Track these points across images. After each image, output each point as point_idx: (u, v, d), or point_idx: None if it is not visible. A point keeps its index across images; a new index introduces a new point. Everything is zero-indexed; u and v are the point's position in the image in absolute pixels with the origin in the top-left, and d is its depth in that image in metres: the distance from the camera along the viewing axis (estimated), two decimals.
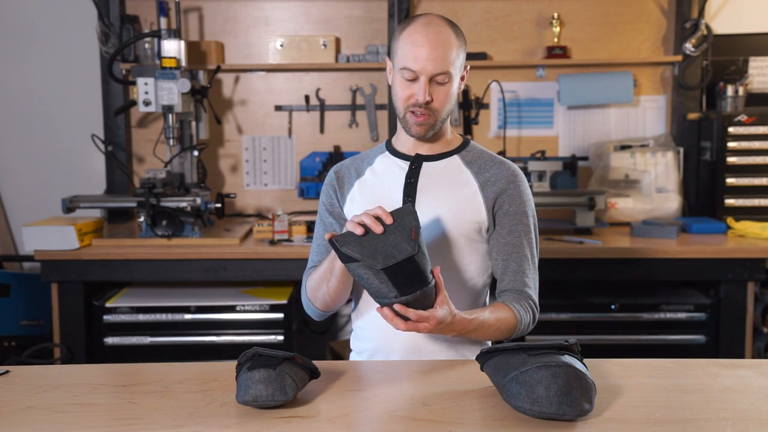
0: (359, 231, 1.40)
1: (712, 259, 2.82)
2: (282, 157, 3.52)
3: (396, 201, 1.69)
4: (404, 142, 1.75)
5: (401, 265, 1.37)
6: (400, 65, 1.63)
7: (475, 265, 1.71)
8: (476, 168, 1.71)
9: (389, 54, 1.71)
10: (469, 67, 1.73)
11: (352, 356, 1.82)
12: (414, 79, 1.62)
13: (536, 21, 3.44)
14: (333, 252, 1.53)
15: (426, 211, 1.67)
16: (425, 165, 1.72)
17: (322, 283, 1.65)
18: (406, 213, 1.44)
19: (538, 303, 1.69)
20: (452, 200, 1.68)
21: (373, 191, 1.73)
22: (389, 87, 1.72)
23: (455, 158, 1.73)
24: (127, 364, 1.63)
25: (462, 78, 1.69)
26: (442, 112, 1.65)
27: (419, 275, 1.40)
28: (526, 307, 1.65)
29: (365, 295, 1.72)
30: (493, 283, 1.77)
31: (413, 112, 1.64)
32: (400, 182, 1.71)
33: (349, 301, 1.82)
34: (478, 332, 1.57)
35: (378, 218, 1.42)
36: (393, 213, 1.44)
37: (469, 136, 2.00)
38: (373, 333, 1.71)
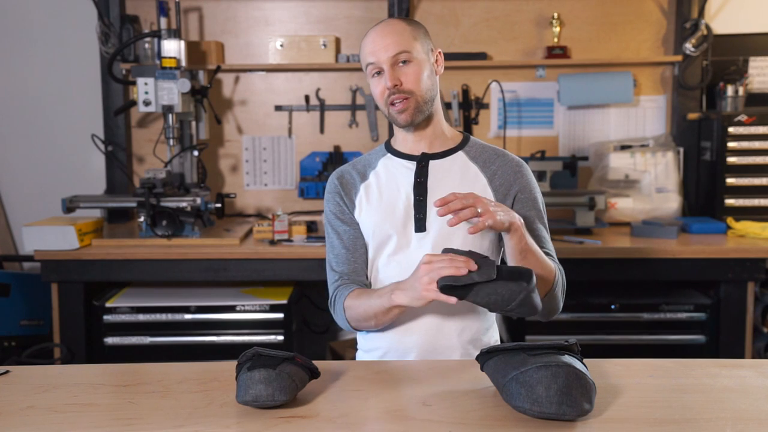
0: (464, 272, 1.43)
1: (712, 259, 2.82)
2: (282, 157, 3.52)
3: (407, 201, 1.70)
4: (404, 141, 1.76)
5: (499, 268, 1.45)
6: (365, 66, 1.69)
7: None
8: (482, 162, 1.73)
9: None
10: (441, 52, 1.75)
11: (360, 355, 1.81)
12: (380, 72, 1.66)
13: (536, 21, 3.44)
14: (391, 298, 1.56)
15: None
16: (432, 163, 1.73)
17: (370, 319, 1.65)
18: (461, 252, 1.51)
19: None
20: None
21: (381, 194, 1.74)
22: None
23: (460, 154, 1.74)
24: (127, 364, 1.63)
25: (436, 62, 1.72)
26: (419, 93, 1.66)
27: (518, 268, 1.48)
28: (559, 268, 1.69)
29: None
30: None
31: (392, 103, 1.66)
32: (409, 182, 1.72)
33: None
34: (536, 258, 1.59)
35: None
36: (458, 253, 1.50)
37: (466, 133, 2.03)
38: (387, 333, 1.71)
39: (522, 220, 1.57)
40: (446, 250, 1.51)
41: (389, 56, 1.64)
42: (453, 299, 1.44)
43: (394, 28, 1.67)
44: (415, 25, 1.70)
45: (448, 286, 1.44)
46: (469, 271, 1.43)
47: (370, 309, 1.63)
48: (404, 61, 1.65)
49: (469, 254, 1.47)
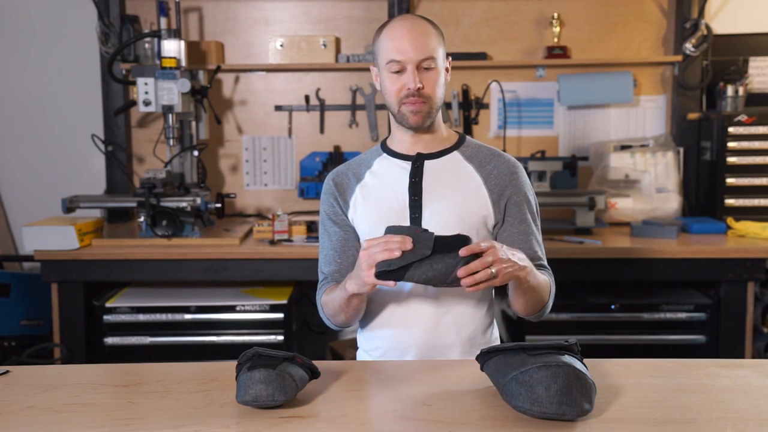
0: (397, 254, 1.45)
1: (712, 259, 2.82)
2: (282, 157, 3.52)
3: (402, 201, 1.70)
4: (401, 142, 1.76)
5: (439, 240, 1.45)
6: (386, 60, 1.67)
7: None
8: (477, 162, 1.74)
9: (373, 60, 1.75)
10: (451, 60, 1.75)
11: (360, 355, 1.82)
12: (401, 71, 1.65)
13: (536, 21, 3.44)
14: (345, 288, 1.58)
15: (434, 208, 1.69)
16: (427, 163, 1.73)
17: (339, 312, 1.68)
18: (402, 229, 1.51)
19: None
20: (459, 196, 1.70)
21: (377, 194, 1.74)
22: None
23: (455, 154, 1.75)
24: (127, 364, 1.63)
25: (447, 70, 1.73)
26: (435, 99, 1.68)
27: (456, 237, 1.47)
28: (552, 279, 1.71)
29: (374, 293, 1.73)
30: None
31: (406, 103, 1.66)
32: (404, 182, 1.72)
33: None
34: (535, 287, 1.60)
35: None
36: (395, 231, 1.51)
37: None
38: (386, 331, 1.72)
39: (530, 264, 1.56)
40: (388, 230, 1.52)
41: (418, 58, 1.64)
42: (391, 283, 1.47)
43: (425, 29, 1.66)
44: (439, 30, 1.71)
45: (383, 271, 1.46)
46: (405, 252, 1.44)
47: (336, 302, 1.66)
48: (428, 67, 1.65)
49: (410, 230, 1.48)
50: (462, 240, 1.46)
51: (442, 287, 1.52)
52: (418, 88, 1.64)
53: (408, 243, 1.45)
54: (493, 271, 1.44)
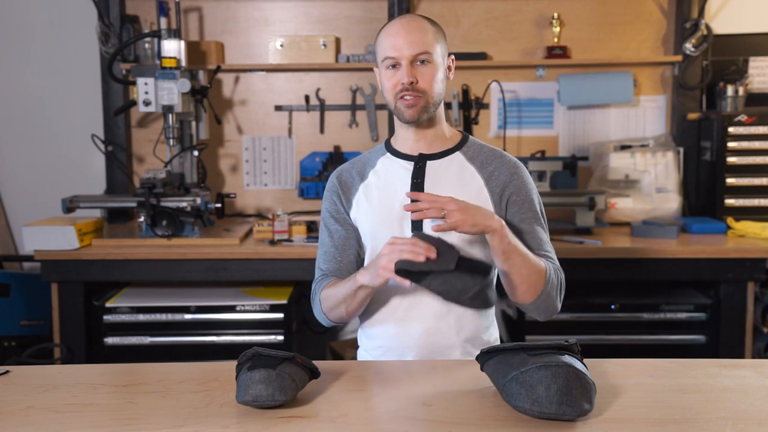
0: (422, 258, 1.48)
1: (712, 259, 2.82)
2: (282, 157, 3.52)
3: (404, 201, 1.70)
4: (404, 141, 1.76)
5: (461, 260, 1.50)
6: (382, 58, 1.69)
7: (485, 260, 1.72)
8: (479, 163, 1.74)
9: (374, 60, 1.76)
10: (453, 59, 1.76)
11: (361, 354, 1.82)
12: (396, 67, 1.67)
13: (536, 21, 3.44)
14: (356, 279, 1.61)
15: None
16: (429, 164, 1.73)
17: (341, 304, 1.68)
18: (429, 238, 1.55)
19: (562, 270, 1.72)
20: (460, 197, 1.68)
21: (379, 193, 1.74)
22: None
23: (458, 155, 1.75)
24: (127, 364, 1.63)
25: (449, 68, 1.74)
26: (431, 94, 1.67)
27: (478, 263, 1.54)
28: (554, 267, 1.68)
29: (377, 292, 1.73)
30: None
31: (402, 97, 1.67)
32: (406, 182, 1.72)
33: None
34: (522, 259, 1.58)
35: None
36: (422, 238, 1.55)
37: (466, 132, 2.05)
38: (387, 330, 1.73)
39: (502, 223, 1.56)
40: (415, 235, 1.55)
41: (412, 53, 1.65)
42: (407, 282, 1.49)
43: (420, 25, 1.68)
44: (438, 27, 1.72)
45: (403, 269, 1.48)
46: (428, 259, 1.47)
47: (340, 294, 1.67)
48: (423, 61, 1.66)
49: (437, 242, 1.51)
50: (484, 267, 1.51)
51: (450, 302, 1.57)
52: (411, 83, 1.64)
53: (433, 252, 1.48)
54: (444, 212, 1.50)
